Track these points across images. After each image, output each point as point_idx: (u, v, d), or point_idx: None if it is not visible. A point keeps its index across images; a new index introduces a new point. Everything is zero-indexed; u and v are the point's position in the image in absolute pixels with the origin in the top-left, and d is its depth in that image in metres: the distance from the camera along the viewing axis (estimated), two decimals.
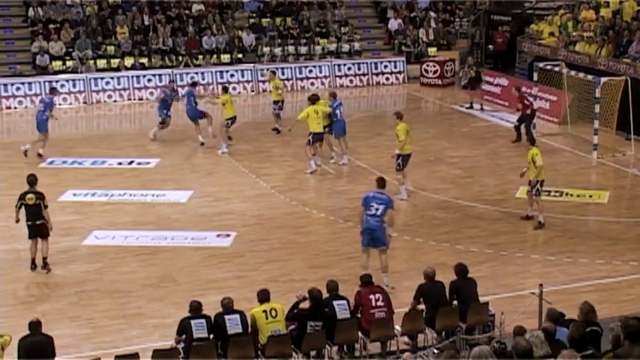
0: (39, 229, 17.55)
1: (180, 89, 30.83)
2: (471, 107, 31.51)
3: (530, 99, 27.32)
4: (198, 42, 36.14)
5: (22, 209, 17.56)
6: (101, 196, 22.20)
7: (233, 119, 26.51)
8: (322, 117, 23.81)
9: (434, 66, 36.05)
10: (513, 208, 21.15)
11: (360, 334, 13.82)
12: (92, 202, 21.82)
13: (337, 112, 24.49)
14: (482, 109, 31.23)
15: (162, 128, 27.71)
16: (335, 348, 13.80)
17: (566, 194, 22.09)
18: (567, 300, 14.78)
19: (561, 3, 35.00)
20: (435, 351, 13.60)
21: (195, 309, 13.35)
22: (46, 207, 17.53)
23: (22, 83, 32.87)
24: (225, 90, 28.17)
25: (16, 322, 14.92)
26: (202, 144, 26.77)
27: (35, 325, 12.68)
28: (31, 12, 35.93)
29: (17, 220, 17.65)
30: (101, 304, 16.27)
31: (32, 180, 17.88)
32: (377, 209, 16.55)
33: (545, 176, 19.95)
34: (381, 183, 17.23)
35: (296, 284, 16.18)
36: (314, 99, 24.22)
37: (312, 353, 13.51)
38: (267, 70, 31.76)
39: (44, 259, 17.61)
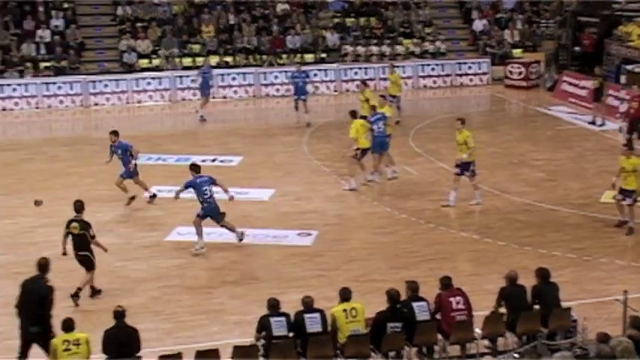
0: (81, 261, 16.20)
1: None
2: (593, 123, 29.17)
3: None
4: (283, 41, 36.35)
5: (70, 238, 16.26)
6: (185, 193, 22.36)
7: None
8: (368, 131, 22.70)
9: (519, 67, 35.71)
10: (598, 212, 20.81)
11: (439, 336, 13.75)
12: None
13: (375, 127, 22.83)
14: (603, 124, 29.01)
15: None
16: (414, 349, 13.75)
17: None
18: None
19: None
20: (516, 355, 13.48)
21: (273, 306, 13.40)
22: (93, 237, 16.16)
23: (110, 80, 33.48)
24: (365, 85, 27.62)
25: (99, 316, 15.24)
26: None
27: (120, 314, 12.92)
28: (119, 10, 36.61)
29: (64, 253, 16.28)
30: (183, 299, 16.48)
31: (79, 207, 16.38)
32: (210, 190, 18.77)
33: None
34: (197, 169, 19.11)
35: (376, 284, 16.16)
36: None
37: (391, 354, 13.48)
38: (390, 65, 31.79)
39: (78, 288, 16.10)
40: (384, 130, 22.92)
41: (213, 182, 18.88)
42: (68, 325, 12.74)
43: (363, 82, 28.52)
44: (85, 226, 16.12)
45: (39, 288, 13.70)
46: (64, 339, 12.58)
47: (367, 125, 22.79)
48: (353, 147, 22.56)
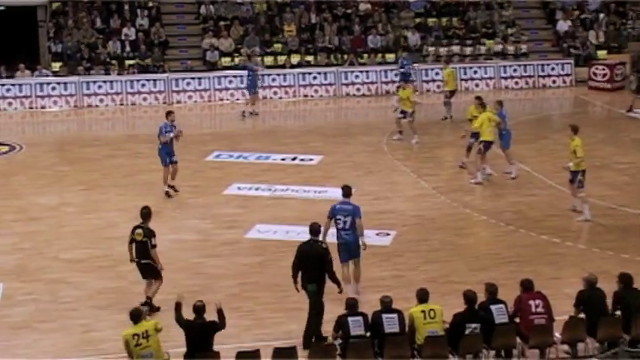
0: (144, 269, 15.79)
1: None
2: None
3: None
4: (364, 41, 36.37)
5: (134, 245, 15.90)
6: (265, 191, 22.62)
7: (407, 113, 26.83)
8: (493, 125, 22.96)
9: (603, 69, 35.12)
10: None
11: (518, 339, 13.64)
12: (256, 197, 22.26)
13: (506, 120, 23.46)
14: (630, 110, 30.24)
15: None
16: (492, 352, 13.65)
17: None
18: None
19: None
20: None
21: (352, 306, 13.45)
22: (153, 246, 15.64)
23: (193, 78, 33.88)
24: (405, 82, 28.49)
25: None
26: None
27: (200, 309, 13.04)
28: (203, 9, 37.00)
29: (131, 260, 15.96)
30: (262, 296, 16.57)
31: (145, 213, 16.02)
32: (345, 222, 16.18)
33: None
34: (347, 191, 16.53)
35: (455, 286, 16.07)
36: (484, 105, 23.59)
37: (469, 356, 13.40)
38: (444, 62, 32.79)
39: (147, 297, 15.77)
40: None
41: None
42: (135, 316, 12.93)
43: (404, 81, 29.40)
44: (149, 234, 15.71)
45: (314, 250, 14.77)
46: (133, 333, 12.75)
47: (495, 119, 22.86)
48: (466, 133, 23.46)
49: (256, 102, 31.61)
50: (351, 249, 16.32)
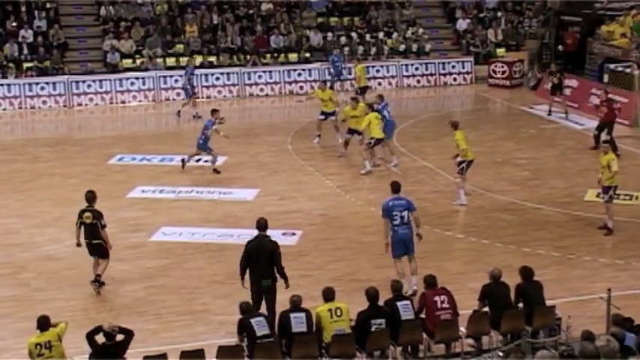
0: (95, 249, 16.62)
1: None
2: (550, 113, 30.45)
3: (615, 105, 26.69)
4: (266, 41, 36.34)
5: (82, 227, 16.62)
6: (169, 193, 22.44)
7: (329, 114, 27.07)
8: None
9: (502, 67, 35.75)
10: (581, 211, 20.90)
11: (424, 335, 13.79)
12: (160, 199, 22.06)
13: (384, 113, 24.30)
14: (550, 113, 30.43)
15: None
16: (399, 349, 13.78)
17: (637, 198, 21.76)
18: (637, 305, 14.55)
19: (633, 3, 34.41)
20: (500, 354, 13.53)
21: (245, 311, 13.41)
22: (103, 227, 16.49)
23: (94, 81, 33.37)
24: (325, 83, 28.84)
25: (84, 315, 15.24)
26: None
27: (112, 337, 12.66)
28: (102, 10, 36.48)
29: (78, 244, 16.74)
30: (168, 299, 16.46)
31: (90, 197, 16.75)
32: (402, 217, 16.30)
33: (618, 182, 19.52)
34: (396, 187, 16.83)
35: (361, 284, 16.15)
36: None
37: (376, 353, 13.50)
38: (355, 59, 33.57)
39: (97, 275, 16.60)
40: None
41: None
42: (42, 324, 12.65)
43: (324, 82, 29.59)
44: (98, 215, 16.48)
45: (264, 245, 14.76)
46: (36, 342, 12.49)
47: (379, 116, 23.70)
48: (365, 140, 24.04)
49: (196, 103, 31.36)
50: (408, 245, 16.39)
